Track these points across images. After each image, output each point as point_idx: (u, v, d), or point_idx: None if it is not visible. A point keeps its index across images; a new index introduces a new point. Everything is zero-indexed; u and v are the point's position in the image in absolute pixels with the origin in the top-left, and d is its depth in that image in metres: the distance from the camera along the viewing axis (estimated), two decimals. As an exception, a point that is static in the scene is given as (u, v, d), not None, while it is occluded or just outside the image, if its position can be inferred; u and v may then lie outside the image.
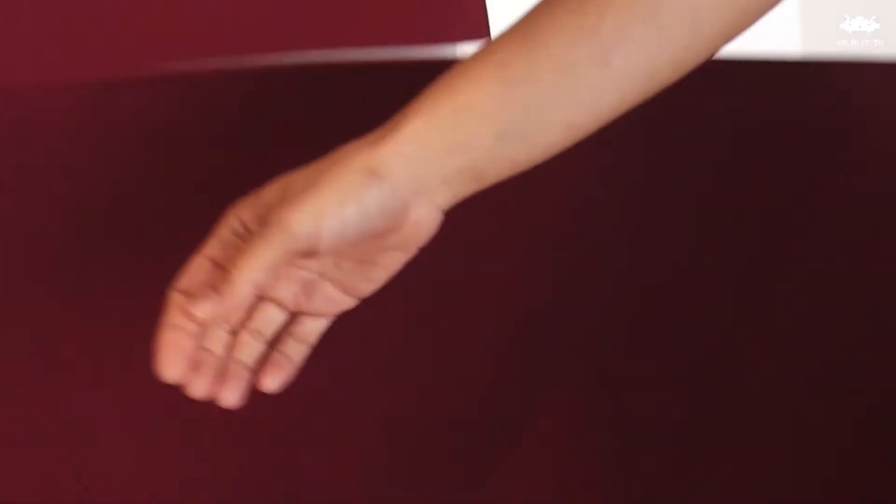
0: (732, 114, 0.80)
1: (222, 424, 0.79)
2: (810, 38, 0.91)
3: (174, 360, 0.53)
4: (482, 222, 0.77)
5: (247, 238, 0.52)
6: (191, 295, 0.52)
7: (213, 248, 0.54)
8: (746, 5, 0.51)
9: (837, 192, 0.81)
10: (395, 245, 0.53)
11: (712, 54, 0.53)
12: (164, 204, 0.79)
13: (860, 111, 0.80)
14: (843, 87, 0.80)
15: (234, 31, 0.81)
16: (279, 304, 0.55)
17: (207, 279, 0.53)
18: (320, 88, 0.80)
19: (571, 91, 0.51)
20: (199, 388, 0.54)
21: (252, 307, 0.54)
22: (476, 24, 0.87)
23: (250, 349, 0.55)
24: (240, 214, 0.53)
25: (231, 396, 0.54)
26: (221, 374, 0.54)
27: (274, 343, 0.55)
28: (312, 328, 0.56)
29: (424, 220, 0.52)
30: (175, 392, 0.55)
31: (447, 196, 0.52)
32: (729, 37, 0.52)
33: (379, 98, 0.58)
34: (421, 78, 0.53)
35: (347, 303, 0.55)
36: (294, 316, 0.56)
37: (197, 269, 0.54)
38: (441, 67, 0.53)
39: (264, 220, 0.51)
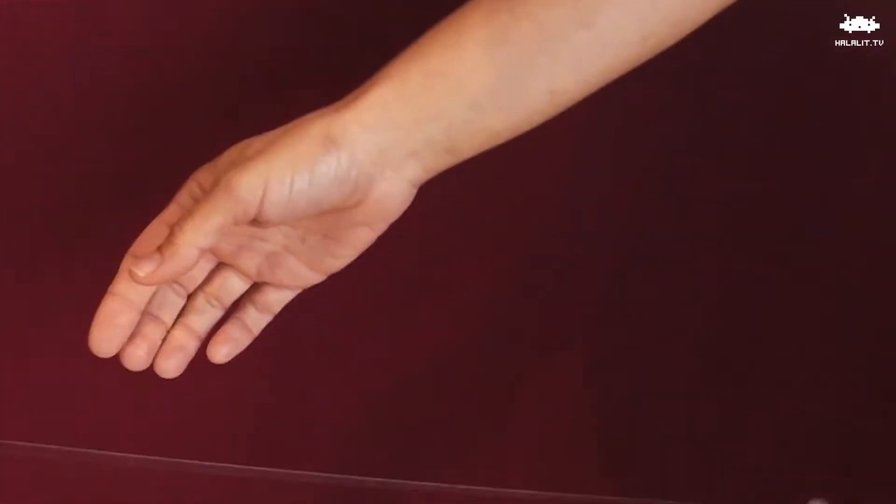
0: (732, 112, 0.79)
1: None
2: (810, 37, 0.89)
3: (106, 333, 0.50)
4: (477, 211, 0.78)
5: None
6: (138, 258, 0.49)
7: (171, 212, 0.52)
8: None
9: (837, 191, 0.81)
10: (361, 220, 0.50)
11: (713, 12, 0.49)
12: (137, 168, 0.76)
13: (860, 111, 0.79)
14: (843, 87, 0.79)
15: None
16: (241, 273, 0.53)
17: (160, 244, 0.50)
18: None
19: (553, 54, 0.47)
20: (134, 360, 0.51)
21: (212, 273, 0.53)
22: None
23: (205, 316, 0.53)
24: (198, 178, 0.51)
25: (170, 366, 0.52)
26: (164, 344, 0.52)
27: (233, 309, 0.54)
28: (275, 299, 0.54)
29: (392, 195, 0.49)
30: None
31: (417, 170, 0.49)
32: None
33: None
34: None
35: (313, 278, 0.52)
36: (257, 285, 0.53)
37: (151, 235, 0.51)
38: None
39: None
